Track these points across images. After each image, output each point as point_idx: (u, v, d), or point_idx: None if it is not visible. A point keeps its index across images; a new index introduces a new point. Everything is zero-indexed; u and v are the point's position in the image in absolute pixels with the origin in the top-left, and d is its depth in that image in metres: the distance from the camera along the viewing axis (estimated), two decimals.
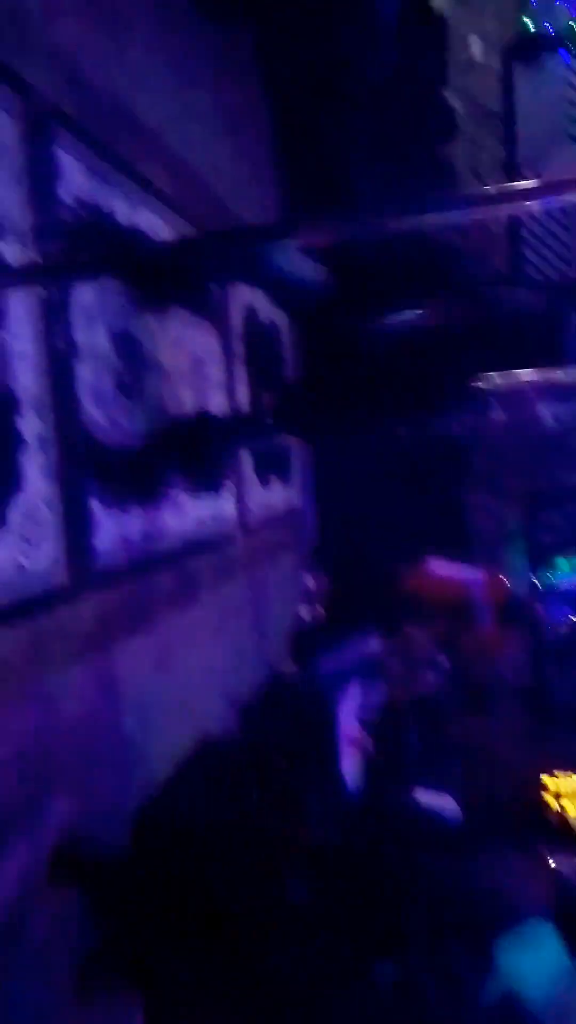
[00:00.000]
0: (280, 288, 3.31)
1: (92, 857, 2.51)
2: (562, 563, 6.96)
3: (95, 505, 2.19)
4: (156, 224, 2.49)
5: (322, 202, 4.13)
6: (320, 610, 4.91)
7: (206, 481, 2.84)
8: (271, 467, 3.71)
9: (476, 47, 6.95)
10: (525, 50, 6.79)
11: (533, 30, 6.80)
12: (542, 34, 6.77)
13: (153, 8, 2.85)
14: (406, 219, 2.10)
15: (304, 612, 4.86)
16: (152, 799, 2.83)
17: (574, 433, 5.72)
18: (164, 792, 2.92)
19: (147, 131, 2.67)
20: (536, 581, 6.80)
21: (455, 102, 6.69)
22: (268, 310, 3.67)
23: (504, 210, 2.44)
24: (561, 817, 5.96)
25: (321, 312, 2.63)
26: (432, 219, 2.28)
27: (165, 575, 2.65)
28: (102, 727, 2.42)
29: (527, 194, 2.13)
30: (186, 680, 3.07)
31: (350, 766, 3.88)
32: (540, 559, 6.95)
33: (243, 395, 3.27)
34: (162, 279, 2.45)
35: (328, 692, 4.07)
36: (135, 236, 2.32)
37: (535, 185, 1.79)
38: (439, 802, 4.72)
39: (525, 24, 6.89)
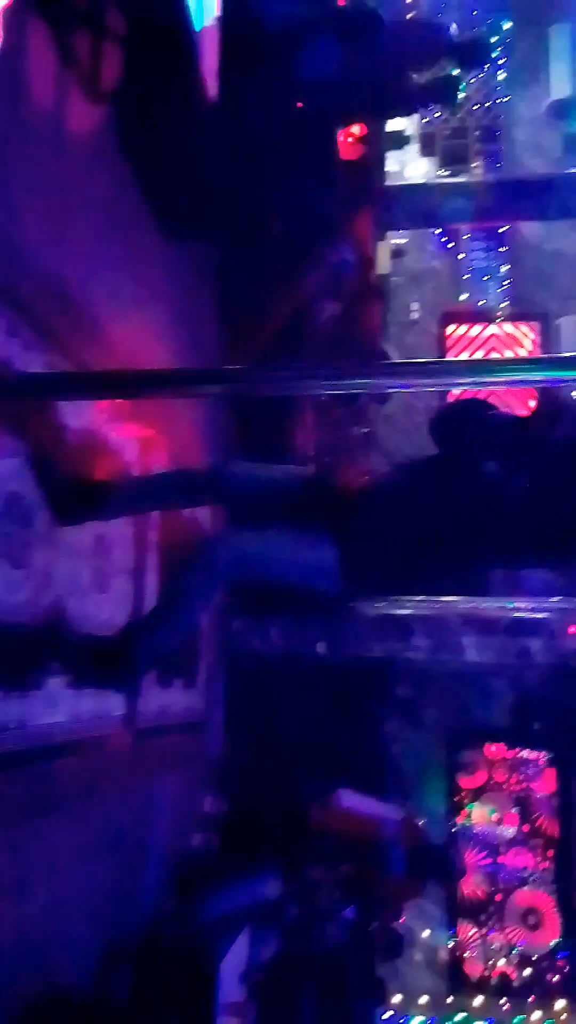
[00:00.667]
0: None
1: None
2: (479, 808, 6.61)
3: None
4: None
5: None
6: (214, 839, 4.42)
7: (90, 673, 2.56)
8: (174, 667, 3.44)
9: (416, 311, 7.74)
10: (460, 317, 7.61)
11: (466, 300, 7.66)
12: (474, 306, 7.63)
13: (107, 206, 3.02)
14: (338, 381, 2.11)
15: (196, 840, 4.36)
16: None
17: (495, 670, 5.62)
18: None
19: (87, 315, 2.70)
20: (452, 825, 6.41)
21: (393, 355, 7.34)
22: None
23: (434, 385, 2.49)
24: None
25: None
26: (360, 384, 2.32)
27: (25, 778, 2.28)
28: None
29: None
30: (43, 914, 2.59)
31: None
32: (458, 801, 6.60)
33: (152, 583, 3.08)
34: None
35: (212, 940, 3.53)
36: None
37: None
38: None
39: (461, 295, 7.75)
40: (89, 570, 2.55)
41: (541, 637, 4.48)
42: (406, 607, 4.84)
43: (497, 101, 8.12)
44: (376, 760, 5.96)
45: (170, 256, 3.76)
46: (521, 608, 4.41)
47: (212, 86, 3.05)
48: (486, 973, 6.31)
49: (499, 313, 7.58)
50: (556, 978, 6.18)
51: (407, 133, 8.20)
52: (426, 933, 6.17)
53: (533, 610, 4.40)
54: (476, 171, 8.02)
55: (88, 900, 2.97)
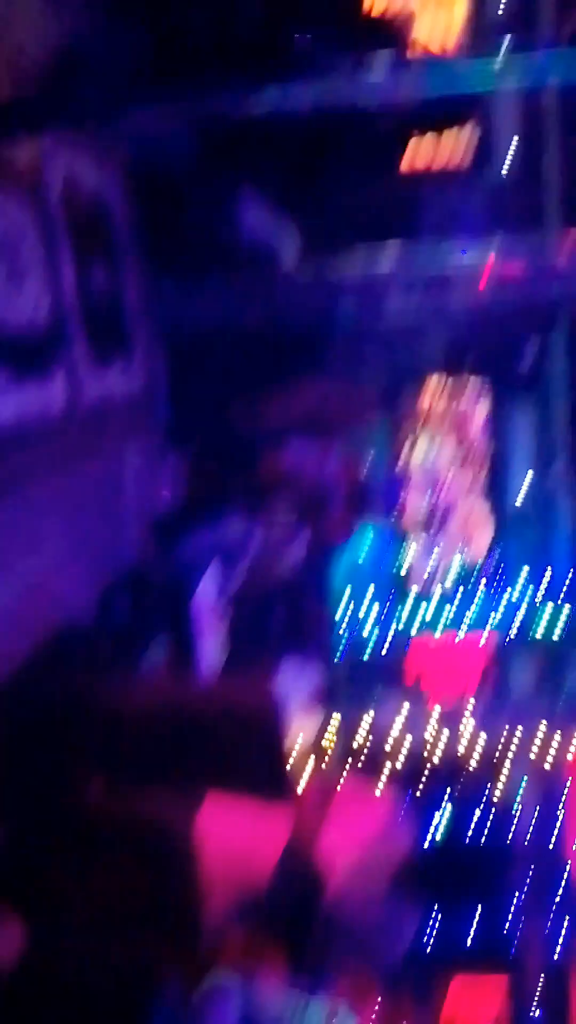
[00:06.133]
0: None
1: None
2: (420, 440, 7.20)
3: None
4: None
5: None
6: (181, 493, 4.91)
7: (29, 368, 2.71)
8: (109, 351, 3.58)
9: None
10: None
11: None
12: None
13: None
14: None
15: (165, 496, 4.86)
16: (2, 690, 2.82)
17: (425, 320, 5.79)
18: (16, 681, 2.91)
19: None
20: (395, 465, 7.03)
21: None
22: (93, 176, 3.42)
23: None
24: None
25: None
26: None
27: None
28: None
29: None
30: (32, 574, 3.04)
31: (209, 643, 4.02)
32: (401, 436, 7.16)
33: (70, 273, 3.09)
34: None
35: (187, 576, 4.14)
36: None
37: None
38: (303, 672, 4.98)
39: None
40: (2, 270, 2.58)
41: (458, 290, 4.64)
42: (329, 272, 4.92)
43: None
44: (321, 412, 6.34)
45: None
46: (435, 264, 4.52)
47: None
48: (432, 575, 7.39)
49: None
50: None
51: None
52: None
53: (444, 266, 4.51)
54: None
55: (79, 554, 3.44)
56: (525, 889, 5.10)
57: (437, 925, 5.06)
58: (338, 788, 4.73)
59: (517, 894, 5.03)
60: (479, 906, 5.23)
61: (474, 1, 5.19)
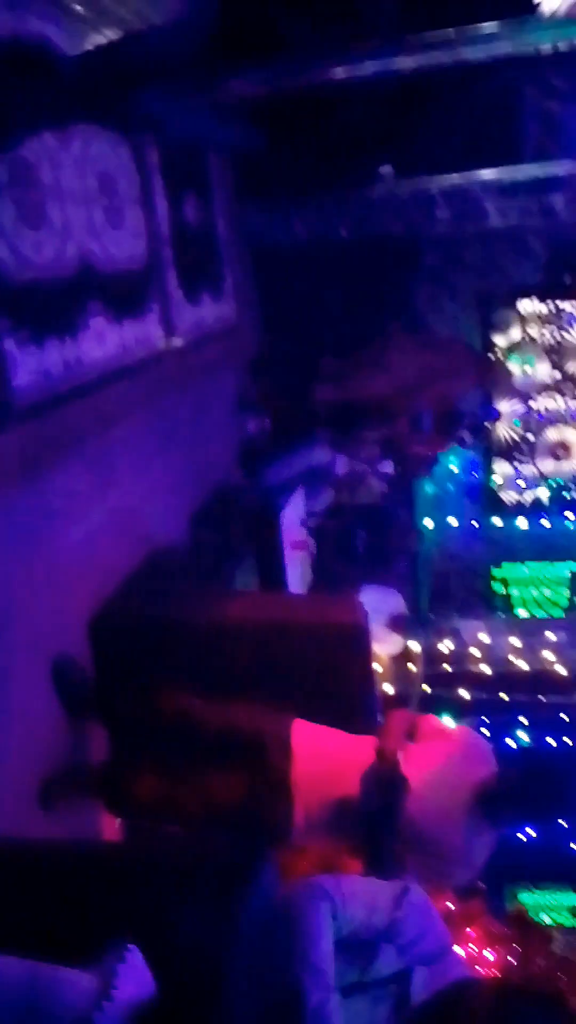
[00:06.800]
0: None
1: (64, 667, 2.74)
2: (514, 361, 7.02)
3: (9, 344, 2.20)
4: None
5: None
6: (267, 422, 5.00)
7: (128, 306, 2.83)
8: (200, 284, 3.65)
9: None
10: None
11: None
12: None
13: None
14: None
15: (251, 425, 4.96)
16: (106, 607, 3.05)
17: (523, 230, 5.57)
18: (117, 599, 3.14)
19: None
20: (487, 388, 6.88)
21: None
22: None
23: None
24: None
25: None
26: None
27: (93, 402, 2.71)
28: (43, 546, 2.58)
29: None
30: (132, 498, 3.23)
31: (294, 566, 4.18)
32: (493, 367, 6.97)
33: (163, 208, 3.15)
34: (64, 94, 2.30)
35: (273, 500, 4.28)
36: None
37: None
38: (385, 597, 5.10)
39: None
40: (100, 211, 2.66)
41: (562, 192, 4.41)
42: (427, 182, 4.75)
43: None
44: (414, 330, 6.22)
45: None
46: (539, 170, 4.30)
47: None
48: (520, 499, 7.32)
49: None
50: None
51: None
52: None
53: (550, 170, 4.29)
54: None
55: (171, 480, 3.61)
56: None
57: (514, 839, 5.24)
58: (422, 706, 4.88)
59: None
60: (556, 821, 5.39)
61: None
